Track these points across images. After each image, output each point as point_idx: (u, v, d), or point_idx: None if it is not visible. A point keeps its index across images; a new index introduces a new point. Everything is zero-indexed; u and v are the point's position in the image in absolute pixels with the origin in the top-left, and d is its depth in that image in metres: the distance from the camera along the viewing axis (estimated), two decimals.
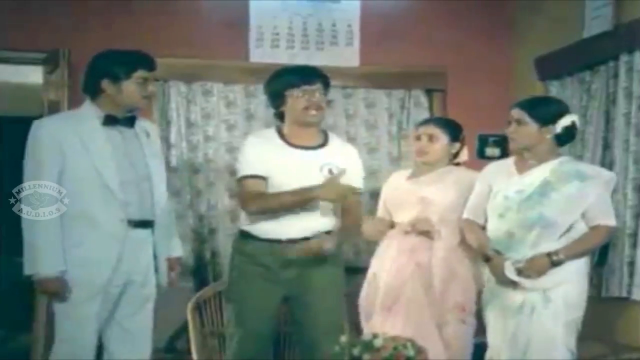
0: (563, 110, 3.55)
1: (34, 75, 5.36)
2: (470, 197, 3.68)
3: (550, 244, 3.40)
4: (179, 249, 3.66)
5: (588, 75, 4.65)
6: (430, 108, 5.38)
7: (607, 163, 4.42)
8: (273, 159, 3.53)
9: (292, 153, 3.57)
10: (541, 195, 3.44)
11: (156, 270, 3.47)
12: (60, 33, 4.89)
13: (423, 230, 3.82)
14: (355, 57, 5.29)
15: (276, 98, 3.58)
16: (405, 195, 3.92)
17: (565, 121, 3.50)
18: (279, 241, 3.53)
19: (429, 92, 5.41)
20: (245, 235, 3.59)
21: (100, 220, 3.30)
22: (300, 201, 3.44)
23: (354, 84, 5.31)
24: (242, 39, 5.18)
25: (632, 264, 4.21)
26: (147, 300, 3.47)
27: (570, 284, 3.42)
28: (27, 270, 3.29)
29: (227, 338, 3.63)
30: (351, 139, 5.33)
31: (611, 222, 3.50)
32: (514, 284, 3.44)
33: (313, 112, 3.58)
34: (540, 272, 3.39)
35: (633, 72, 4.26)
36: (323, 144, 3.63)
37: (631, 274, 4.20)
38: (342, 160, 3.61)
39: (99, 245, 3.30)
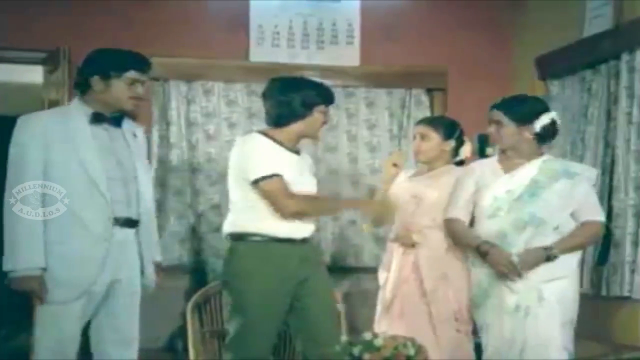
0: (541, 109, 3.53)
1: (34, 74, 5.35)
2: (454, 195, 3.67)
3: (542, 243, 3.40)
4: (159, 254, 3.62)
5: (589, 74, 4.65)
6: (431, 107, 5.38)
7: (608, 162, 4.42)
8: (282, 161, 3.55)
9: (292, 157, 3.61)
10: (531, 195, 3.44)
11: (142, 271, 3.42)
12: (60, 32, 4.89)
13: (406, 244, 3.86)
14: (356, 57, 5.29)
15: (305, 107, 3.59)
16: (402, 193, 3.95)
17: (544, 120, 3.49)
18: (294, 240, 3.55)
19: (429, 92, 5.41)
20: (260, 237, 3.55)
21: (87, 218, 3.25)
22: (340, 210, 3.53)
23: (354, 83, 5.31)
24: (243, 38, 5.18)
25: (633, 263, 4.21)
26: (133, 302, 3.41)
27: (563, 281, 3.41)
28: (5, 267, 3.21)
29: (232, 341, 3.58)
30: (352, 138, 5.35)
31: (601, 217, 3.52)
32: (510, 281, 3.43)
33: (320, 132, 3.74)
34: (534, 265, 3.40)
35: (635, 72, 4.26)
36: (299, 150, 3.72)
37: (632, 273, 4.20)
38: (311, 165, 3.80)
39: (84, 244, 3.25)
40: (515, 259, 3.40)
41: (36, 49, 4.94)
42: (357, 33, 5.27)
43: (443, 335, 3.74)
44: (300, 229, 3.57)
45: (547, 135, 3.52)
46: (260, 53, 5.18)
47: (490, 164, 3.64)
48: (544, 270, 3.39)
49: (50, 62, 4.95)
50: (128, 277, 3.36)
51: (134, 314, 3.41)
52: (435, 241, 3.80)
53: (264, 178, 3.49)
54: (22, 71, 5.71)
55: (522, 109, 3.52)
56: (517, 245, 3.41)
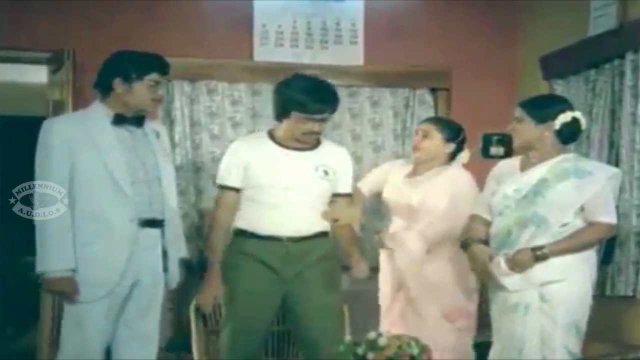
0: (562, 107, 3.50)
1: (38, 74, 5.36)
2: (481, 194, 3.70)
3: (546, 242, 3.38)
4: (184, 250, 3.65)
5: (593, 73, 4.64)
6: (435, 107, 5.38)
7: (612, 162, 4.41)
8: (262, 162, 3.56)
9: (286, 154, 3.60)
10: (536, 194, 3.42)
11: (165, 270, 3.45)
12: (64, 33, 4.90)
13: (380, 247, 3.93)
14: (360, 56, 5.29)
15: (281, 109, 3.57)
16: (397, 197, 3.95)
17: (564, 118, 3.46)
18: (279, 239, 3.55)
19: (433, 91, 5.41)
20: (243, 234, 3.60)
21: (112, 219, 3.29)
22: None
23: (358, 82, 5.31)
24: (247, 38, 5.18)
25: (638, 262, 4.20)
26: (155, 301, 3.46)
27: (568, 283, 3.38)
28: (38, 268, 3.28)
29: (222, 336, 3.60)
30: (356, 138, 5.35)
31: (609, 219, 3.43)
32: (504, 279, 3.44)
33: (308, 139, 3.62)
34: (524, 267, 3.38)
35: (639, 71, 4.26)
36: (316, 145, 3.66)
37: (637, 273, 4.20)
38: (334, 162, 3.67)
39: (109, 245, 3.30)
40: (502, 259, 3.41)
41: (40, 49, 4.95)
42: (360, 33, 5.28)
43: (437, 336, 3.70)
44: (284, 228, 3.54)
45: (569, 134, 3.48)
46: (264, 53, 5.19)
47: (511, 163, 3.64)
48: (541, 271, 3.37)
49: (55, 62, 4.95)
50: (151, 277, 3.41)
51: (154, 313, 3.46)
52: (412, 245, 3.81)
53: (217, 186, 3.69)
54: (26, 71, 5.72)
55: (542, 107, 3.52)
56: (520, 243, 3.41)
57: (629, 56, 4.33)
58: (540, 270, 3.37)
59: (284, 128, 3.60)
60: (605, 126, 4.52)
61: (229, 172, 3.63)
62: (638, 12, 4.33)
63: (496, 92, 5.23)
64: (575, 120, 3.48)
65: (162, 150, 3.51)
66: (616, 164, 4.36)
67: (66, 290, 3.28)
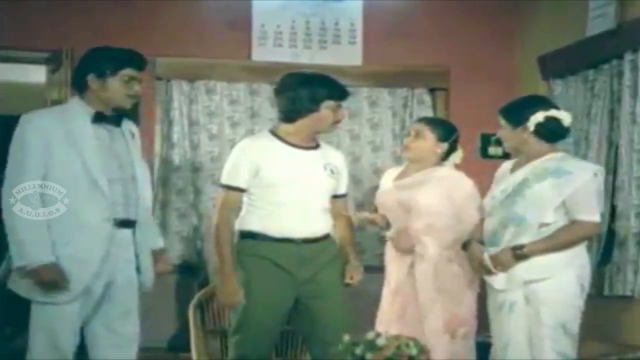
0: (534, 109, 3.45)
1: (37, 74, 5.37)
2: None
3: (526, 241, 3.38)
4: (160, 241, 3.61)
5: (592, 74, 4.65)
6: (434, 107, 5.38)
7: (611, 162, 4.42)
8: (274, 161, 3.54)
9: (296, 153, 3.58)
10: (516, 194, 3.42)
11: (138, 270, 3.40)
12: (63, 33, 4.90)
13: (404, 248, 3.86)
14: (358, 56, 5.29)
15: (311, 103, 3.55)
16: (389, 200, 3.94)
17: (535, 119, 3.41)
18: (293, 241, 3.54)
19: (432, 91, 5.41)
20: (255, 236, 3.57)
21: (87, 218, 3.24)
22: (220, 268, 3.55)
23: (357, 82, 5.30)
24: (245, 38, 5.18)
25: (636, 262, 4.20)
26: (134, 302, 3.40)
27: (552, 283, 3.36)
28: (18, 262, 3.18)
29: (231, 339, 3.58)
30: (355, 138, 5.35)
31: (591, 217, 3.39)
32: (491, 278, 3.45)
33: (334, 128, 3.71)
34: (505, 266, 3.39)
35: (638, 71, 4.26)
36: (318, 145, 3.67)
37: (636, 273, 4.20)
38: (337, 162, 3.71)
39: (85, 244, 3.23)
40: (486, 257, 3.42)
41: (39, 48, 4.96)
42: (359, 33, 5.28)
43: (437, 347, 3.67)
44: (298, 230, 3.54)
45: (548, 133, 3.44)
46: (262, 52, 5.19)
47: (507, 164, 3.64)
48: (525, 271, 3.37)
49: (53, 62, 4.95)
50: (125, 277, 3.35)
51: (131, 314, 3.39)
52: (432, 249, 3.81)
53: (221, 185, 3.61)
54: (25, 71, 5.73)
55: (514, 111, 3.51)
56: (502, 243, 3.42)
57: (628, 56, 4.33)
58: (523, 270, 3.38)
59: (300, 124, 3.58)
60: (604, 126, 4.52)
61: (237, 173, 3.56)
62: (636, 12, 4.34)
63: (495, 92, 5.22)
64: (550, 119, 3.42)
65: (137, 150, 3.45)
66: (615, 164, 4.37)
67: (54, 278, 3.17)
